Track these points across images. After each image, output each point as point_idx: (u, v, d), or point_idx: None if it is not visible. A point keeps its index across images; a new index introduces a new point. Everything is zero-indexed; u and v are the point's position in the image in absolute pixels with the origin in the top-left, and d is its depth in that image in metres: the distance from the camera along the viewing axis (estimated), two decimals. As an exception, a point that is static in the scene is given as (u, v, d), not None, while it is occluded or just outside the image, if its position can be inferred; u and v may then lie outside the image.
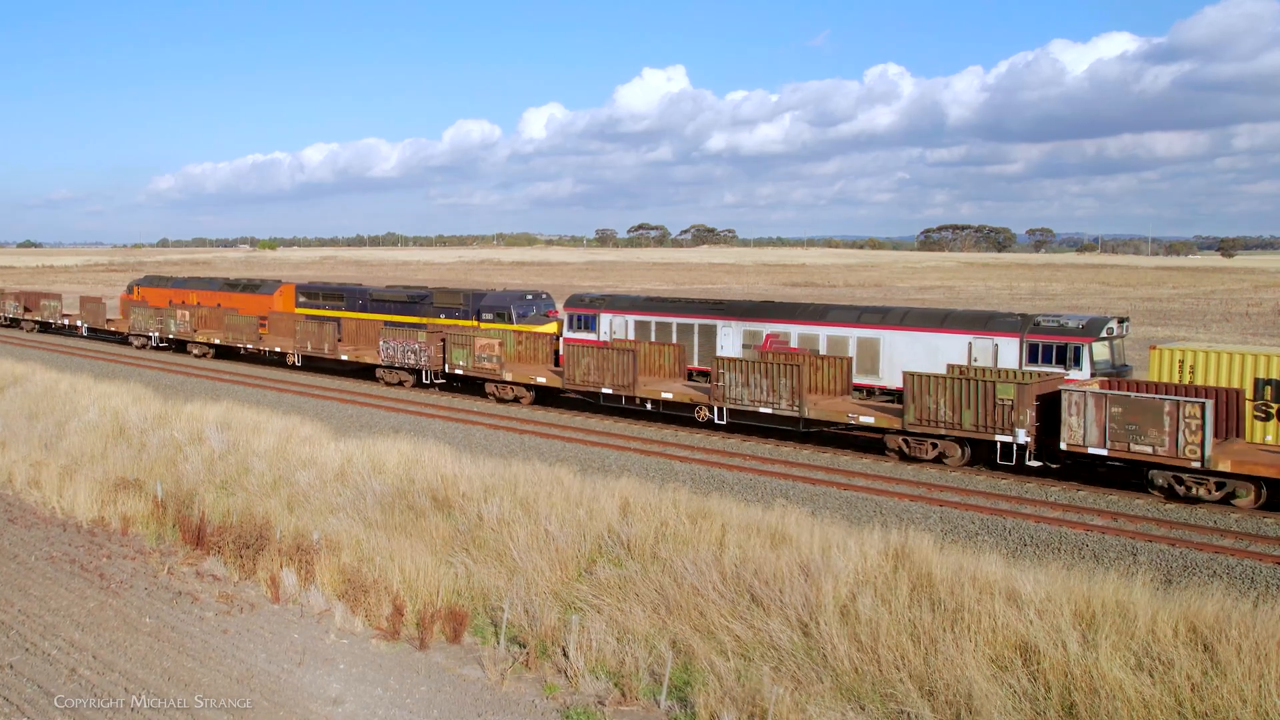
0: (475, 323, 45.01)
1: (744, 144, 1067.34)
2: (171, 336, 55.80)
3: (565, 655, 14.29)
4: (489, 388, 38.39)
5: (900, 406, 28.08)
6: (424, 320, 46.74)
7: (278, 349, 49.01)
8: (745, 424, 31.77)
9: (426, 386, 41.36)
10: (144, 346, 57.87)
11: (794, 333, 36.27)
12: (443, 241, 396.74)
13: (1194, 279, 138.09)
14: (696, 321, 39.13)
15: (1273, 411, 24.45)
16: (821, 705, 12.62)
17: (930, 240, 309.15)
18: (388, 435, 28.20)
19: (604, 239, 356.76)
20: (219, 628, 15.97)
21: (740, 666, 13.77)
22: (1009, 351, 31.21)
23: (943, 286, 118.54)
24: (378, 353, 42.86)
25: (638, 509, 19.37)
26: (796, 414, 29.37)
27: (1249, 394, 24.51)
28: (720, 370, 30.71)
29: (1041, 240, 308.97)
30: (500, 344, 37.92)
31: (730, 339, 37.87)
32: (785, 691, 12.63)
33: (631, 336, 40.72)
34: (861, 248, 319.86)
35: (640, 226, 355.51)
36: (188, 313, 54.95)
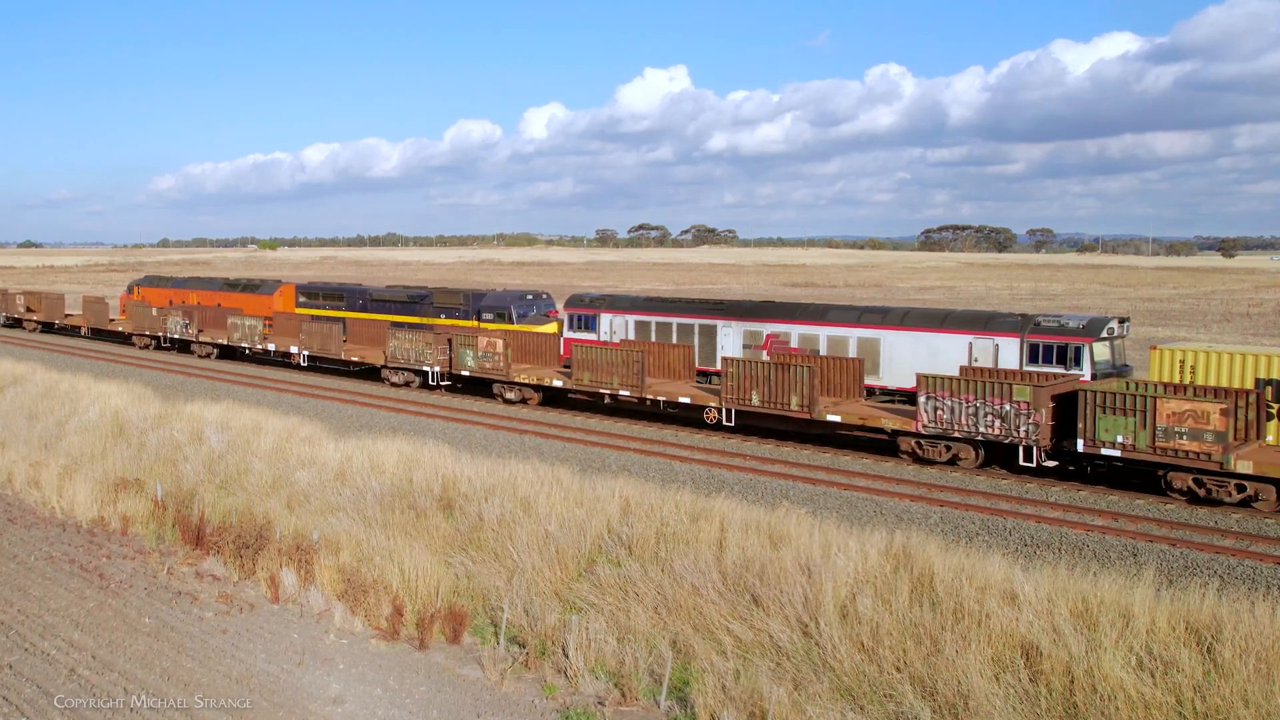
0: (475, 323, 45.00)
1: (745, 144, 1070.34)
2: (468, 373, 38.67)
3: (565, 655, 14.27)
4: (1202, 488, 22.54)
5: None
6: (424, 320, 46.74)
7: (689, 399, 32.20)
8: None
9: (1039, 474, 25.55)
10: (408, 385, 41.50)
11: (794, 333, 36.27)
12: (443, 241, 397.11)
13: (1194, 279, 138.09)
14: (697, 322, 39.13)
15: (1274, 412, 24.41)
16: (821, 705, 12.59)
17: (930, 240, 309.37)
18: (387, 435, 28.18)
19: (604, 239, 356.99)
20: (218, 628, 15.95)
21: (740, 667, 13.75)
22: (1009, 352, 31.13)
23: (943, 287, 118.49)
24: (917, 416, 26.42)
25: (638, 509, 19.34)
26: None
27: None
28: None
29: (1042, 240, 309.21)
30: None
31: (731, 339, 37.86)
32: (785, 692, 12.61)
33: (632, 337, 40.72)
34: (862, 248, 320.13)
35: (640, 227, 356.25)
36: (499, 341, 37.70)
